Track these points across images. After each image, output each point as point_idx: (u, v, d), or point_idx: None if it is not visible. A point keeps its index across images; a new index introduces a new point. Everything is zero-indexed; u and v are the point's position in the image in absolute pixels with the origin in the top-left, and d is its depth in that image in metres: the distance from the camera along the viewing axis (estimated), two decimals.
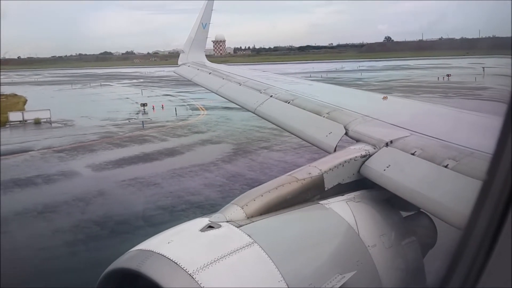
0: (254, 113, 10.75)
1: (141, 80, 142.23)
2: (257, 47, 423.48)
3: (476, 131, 6.57)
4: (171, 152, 36.82)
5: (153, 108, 65.99)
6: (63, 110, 62.47)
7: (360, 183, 5.78)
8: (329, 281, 4.22)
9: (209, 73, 16.04)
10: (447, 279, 2.18)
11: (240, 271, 3.94)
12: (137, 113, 63.03)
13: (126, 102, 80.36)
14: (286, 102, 9.82)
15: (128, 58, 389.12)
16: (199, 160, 33.40)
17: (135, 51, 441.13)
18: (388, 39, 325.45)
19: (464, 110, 7.79)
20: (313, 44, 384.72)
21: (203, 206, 22.70)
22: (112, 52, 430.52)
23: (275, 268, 4.00)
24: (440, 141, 5.69)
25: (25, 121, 58.16)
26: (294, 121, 9.10)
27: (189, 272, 3.74)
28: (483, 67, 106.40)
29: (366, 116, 7.46)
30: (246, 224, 4.44)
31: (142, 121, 52.33)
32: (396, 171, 5.46)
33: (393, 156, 5.75)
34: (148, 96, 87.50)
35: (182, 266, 3.78)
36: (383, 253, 4.96)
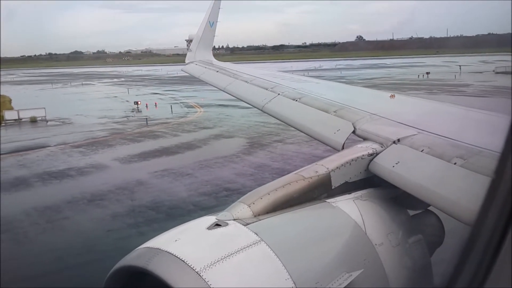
0: (261, 110, 10.87)
1: (122, 79, 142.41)
2: (230, 46, 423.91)
3: (484, 129, 6.56)
4: (189, 146, 38.37)
5: (146, 106, 66.84)
6: (54, 109, 62.83)
7: (367, 181, 5.80)
8: (336, 279, 4.25)
9: (217, 71, 16.34)
10: (455, 278, 2.16)
11: (247, 269, 3.99)
12: (132, 111, 64.03)
13: (115, 101, 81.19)
14: (293, 100, 9.99)
15: (100, 57, 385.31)
16: (219, 152, 34.98)
17: (106, 50, 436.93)
18: (360, 38, 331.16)
19: (472, 109, 7.75)
20: (287, 44, 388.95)
21: (243, 192, 24.52)
22: (83, 51, 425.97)
23: (282, 266, 4.03)
24: (447, 139, 5.68)
25: (20, 119, 58.57)
26: (302, 118, 9.17)
27: (196, 270, 3.78)
28: (460, 65, 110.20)
29: (373, 114, 7.49)
30: (253, 222, 4.48)
31: (146, 118, 53.49)
32: (405, 168, 5.48)
33: (402, 153, 5.76)
34: (136, 95, 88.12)
35: (189, 264, 3.82)
36: (390, 251, 4.95)
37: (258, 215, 4.66)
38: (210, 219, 4.52)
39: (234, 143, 39.34)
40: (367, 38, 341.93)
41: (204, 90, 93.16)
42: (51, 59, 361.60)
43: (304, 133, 8.92)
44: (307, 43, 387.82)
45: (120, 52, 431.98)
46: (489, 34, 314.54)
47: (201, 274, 3.74)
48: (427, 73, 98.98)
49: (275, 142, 37.55)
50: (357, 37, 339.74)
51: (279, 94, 10.70)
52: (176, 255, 3.88)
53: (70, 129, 50.31)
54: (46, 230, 20.86)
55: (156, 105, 68.28)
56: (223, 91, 14.04)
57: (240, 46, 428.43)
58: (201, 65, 18.24)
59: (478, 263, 2.03)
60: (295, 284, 3.97)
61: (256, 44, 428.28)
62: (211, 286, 3.70)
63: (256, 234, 4.25)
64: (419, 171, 5.35)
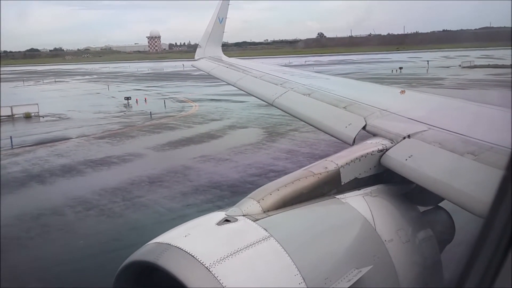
0: (272, 104, 11.07)
1: (95, 77, 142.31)
2: (192, 43, 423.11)
3: (496, 125, 6.57)
4: (210, 136, 40.46)
5: (137, 102, 68.15)
6: (41, 106, 62.42)
7: (377, 177, 5.80)
8: (345, 275, 4.27)
9: (227, 67, 16.76)
10: (464, 278, 2.14)
11: (256, 264, 4.01)
12: (124, 106, 65.35)
13: (100, 97, 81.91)
14: (304, 95, 10.19)
15: (58, 55, 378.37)
16: (244, 141, 37.11)
17: (64, 48, 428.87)
18: (321, 35, 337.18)
19: (483, 104, 7.67)
20: (249, 40, 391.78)
21: (289, 171, 27.27)
22: (39, 49, 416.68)
23: (291, 262, 4.06)
24: (458, 135, 5.66)
25: (14, 115, 59.15)
26: (312, 113, 9.25)
27: (205, 265, 3.80)
28: (427, 61, 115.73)
29: (383, 110, 7.50)
30: (263, 218, 4.50)
31: (150, 112, 55.14)
32: (418, 161, 5.48)
33: (415, 146, 5.77)
34: (119, 91, 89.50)
35: (199, 259, 3.84)
36: (400, 248, 4.95)
37: (268, 211, 4.69)
38: (220, 214, 4.57)
39: (252, 132, 41.51)
40: (327, 35, 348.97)
41: (186, 86, 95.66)
42: (7, 57, 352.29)
43: (314, 127, 8.96)
44: (269, 40, 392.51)
45: (78, 50, 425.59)
46: (443, 31, 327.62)
47: (210, 270, 3.78)
48: (400, 68, 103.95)
49: (291, 131, 39.77)
50: (318, 34, 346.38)
51: (289, 89, 10.90)
52: (186, 250, 3.92)
53: (75, 124, 51.38)
54: (129, 207, 23.11)
55: (146, 101, 69.35)
56: (233, 85, 14.44)
57: None
58: (211, 61, 18.70)
59: (488, 262, 1.99)
60: (304, 280, 4.01)
61: None
62: (220, 282, 3.73)
63: (266, 230, 4.28)
64: (432, 164, 5.36)
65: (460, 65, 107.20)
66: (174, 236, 4.23)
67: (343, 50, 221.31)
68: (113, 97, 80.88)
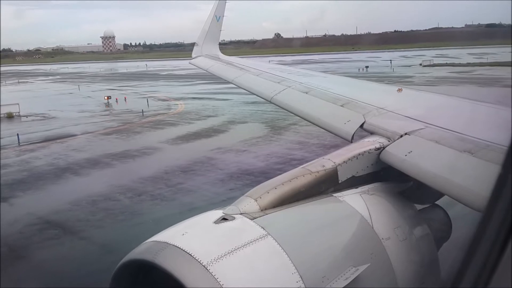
0: (270, 101, 11.16)
1: (58, 77, 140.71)
2: (147, 43, 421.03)
3: (492, 123, 6.60)
4: (215, 130, 42.60)
5: (117, 101, 68.53)
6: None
7: (374, 175, 5.80)
8: (342, 273, 4.30)
9: (225, 65, 16.98)
10: (459, 278, 2.15)
11: (254, 263, 4.05)
12: (106, 105, 65.90)
13: (75, 97, 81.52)
14: (302, 93, 10.33)
15: (8, 55, 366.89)
16: (251, 134, 39.13)
17: (12, 48, 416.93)
18: (278, 35, 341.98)
19: (479, 102, 7.76)
20: None
21: (308, 159, 29.71)
22: None
23: (289, 260, 4.10)
24: (455, 133, 5.68)
25: None
26: (311, 110, 9.33)
27: (203, 264, 3.83)
28: (390, 60, 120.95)
29: (380, 108, 7.51)
30: (260, 217, 4.53)
31: (142, 110, 56.37)
32: (418, 157, 5.51)
33: (414, 143, 5.79)
34: (92, 91, 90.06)
35: (197, 258, 3.87)
36: (397, 245, 4.98)
37: (265, 209, 4.70)
38: (217, 213, 4.58)
39: (254, 127, 43.55)
40: (283, 35, 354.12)
41: (160, 85, 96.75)
42: None
43: (313, 123, 9.05)
44: (226, 40, 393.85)
45: (28, 50, 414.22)
46: (395, 31, 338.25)
47: (208, 268, 3.79)
48: (366, 66, 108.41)
49: (292, 125, 41.45)
50: (275, 34, 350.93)
51: (287, 87, 11.01)
52: (184, 249, 3.94)
53: (67, 122, 51.85)
54: (176, 192, 25.04)
55: (126, 100, 69.41)
56: (231, 83, 14.58)
57: (158, 43, 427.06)
58: (208, 59, 18.79)
59: (483, 262, 2.00)
60: (301, 278, 4.03)
61: (174, 41, 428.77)
62: (218, 280, 3.74)
63: (263, 228, 4.30)
64: (432, 160, 5.39)
65: (421, 64, 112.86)
66: (172, 235, 4.26)
67: (301, 50, 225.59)
68: (89, 96, 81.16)
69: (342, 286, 4.15)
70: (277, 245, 4.17)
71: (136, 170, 30.15)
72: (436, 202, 6.43)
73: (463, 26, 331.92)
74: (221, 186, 25.62)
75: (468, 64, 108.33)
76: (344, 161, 5.58)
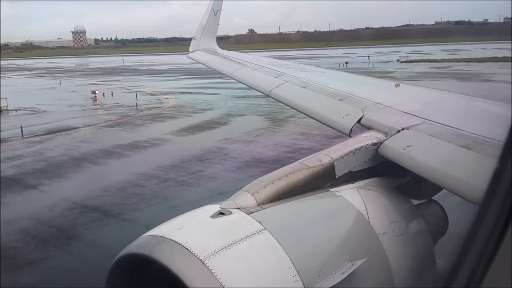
0: (268, 95, 11.22)
1: (35, 72, 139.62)
2: (119, 38, 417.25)
3: (489, 119, 6.64)
4: (216, 123, 43.84)
5: (104, 95, 68.40)
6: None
7: (371, 170, 5.85)
8: (339, 268, 4.32)
9: (222, 59, 17.08)
10: (452, 278, 2.17)
11: (250, 257, 4.08)
12: (95, 99, 65.96)
13: (59, 92, 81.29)
14: (299, 88, 10.41)
15: None
16: (253, 126, 40.45)
17: None
18: (251, 31, 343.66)
19: (477, 98, 7.79)
20: (179, 36, 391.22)
21: (315, 148, 30.65)
22: None
23: (285, 255, 4.12)
24: (452, 129, 5.73)
25: None
26: (309, 104, 9.39)
27: (200, 258, 3.86)
28: (368, 56, 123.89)
29: (378, 104, 7.52)
30: (257, 211, 4.55)
31: (136, 104, 57.04)
32: (417, 151, 5.56)
33: (413, 137, 5.85)
34: (76, 86, 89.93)
35: (193, 252, 3.90)
36: (393, 240, 5.02)
37: (262, 204, 4.72)
38: (214, 207, 4.61)
39: (253, 119, 44.75)
40: (257, 31, 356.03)
41: (144, 80, 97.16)
42: None
43: (311, 117, 9.08)
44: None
45: None
46: (366, 28, 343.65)
47: (204, 262, 3.84)
48: (346, 62, 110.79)
49: (290, 117, 42.03)
50: (249, 30, 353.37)
51: (285, 81, 11.05)
52: (180, 243, 3.98)
53: (61, 116, 52.04)
54: (199, 179, 26.37)
55: (112, 94, 69.48)
56: (230, 76, 14.60)
57: (130, 39, 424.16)
58: (206, 53, 18.86)
59: (476, 262, 2.01)
60: (298, 272, 4.07)
61: (145, 36, 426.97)
62: (214, 274, 3.79)
63: (260, 222, 4.34)
64: (431, 154, 5.42)
65: (398, 60, 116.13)
66: (169, 229, 4.29)
67: (277, 46, 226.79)
68: (73, 91, 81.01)
69: (339, 281, 4.20)
70: (274, 239, 4.20)
71: (152, 159, 31.30)
72: (432, 198, 6.46)
73: (433, 23, 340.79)
74: (241, 173, 26.89)
75: (443, 60, 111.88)
76: (341, 156, 5.57)
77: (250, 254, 4.08)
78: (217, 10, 20.84)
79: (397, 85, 9.15)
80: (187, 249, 3.92)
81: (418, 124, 6.15)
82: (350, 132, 7.09)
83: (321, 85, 9.96)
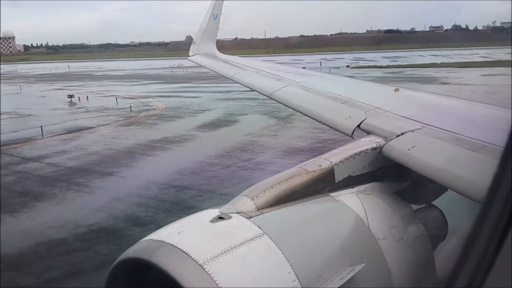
0: (269, 97, 11.45)
1: None
2: (49, 44, 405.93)
3: (489, 124, 6.69)
4: (226, 121, 45.20)
5: (79, 100, 67.88)
6: None
7: (370, 175, 5.85)
8: (338, 273, 4.31)
9: (223, 63, 17.52)
10: (454, 278, 2.19)
11: (250, 262, 4.07)
12: (73, 104, 64.95)
13: (27, 97, 78.92)
14: (300, 91, 10.55)
15: None
16: (265, 123, 42.02)
17: None
18: (189, 38, 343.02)
19: (476, 103, 7.91)
20: (113, 42, 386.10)
21: (337, 140, 27.80)
22: None
23: (285, 260, 4.11)
24: (451, 133, 5.75)
25: None
26: (312, 106, 9.52)
27: (199, 262, 3.85)
28: (320, 62, 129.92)
29: (377, 108, 7.58)
30: (256, 216, 4.53)
31: (130, 105, 57.77)
32: (422, 151, 5.58)
33: (417, 139, 5.89)
34: (41, 91, 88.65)
35: (193, 256, 3.89)
36: (393, 245, 5.02)
37: (261, 208, 4.72)
38: (213, 212, 4.63)
39: (259, 118, 46.05)
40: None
41: (110, 85, 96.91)
42: None
43: (313, 118, 9.15)
44: (135, 42, 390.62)
45: None
46: (301, 36, 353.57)
47: (204, 267, 3.83)
48: (303, 67, 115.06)
49: (292, 115, 42.40)
50: (187, 37, 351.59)
51: (287, 85, 11.35)
52: (180, 247, 3.98)
53: (57, 119, 51.65)
54: (257, 164, 28.67)
55: (87, 99, 68.82)
56: (231, 79, 14.97)
57: (61, 44, 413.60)
58: (206, 57, 19.33)
59: (478, 262, 2.04)
60: (297, 277, 4.06)
61: (77, 42, 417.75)
62: (214, 279, 3.79)
63: (259, 227, 4.33)
64: (436, 154, 5.47)
65: (348, 66, 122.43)
66: (168, 233, 4.32)
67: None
68: (42, 96, 79.72)
69: (338, 286, 4.20)
70: (273, 244, 4.18)
71: (196, 150, 33.19)
72: (432, 202, 6.48)
73: (365, 31, 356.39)
74: (290, 159, 28.72)
75: (388, 66, 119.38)
76: (340, 161, 5.55)
77: (249, 258, 4.06)
78: (217, 14, 21.39)
79: (396, 90, 9.24)
80: (186, 253, 3.92)
81: (418, 128, 6.15)
82: (353, 133, 7.20)
83: (320, 90, 10.18)
